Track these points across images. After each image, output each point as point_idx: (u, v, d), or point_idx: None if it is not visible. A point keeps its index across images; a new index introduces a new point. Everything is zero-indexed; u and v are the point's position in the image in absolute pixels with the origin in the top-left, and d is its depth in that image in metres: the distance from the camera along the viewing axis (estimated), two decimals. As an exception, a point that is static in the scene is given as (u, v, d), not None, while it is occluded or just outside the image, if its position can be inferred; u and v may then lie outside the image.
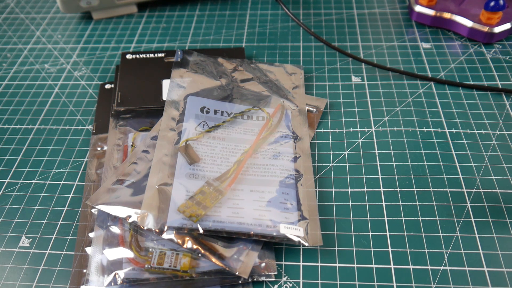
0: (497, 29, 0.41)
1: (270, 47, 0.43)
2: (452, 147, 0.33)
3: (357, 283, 0.26)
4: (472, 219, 0.29)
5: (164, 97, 0.36)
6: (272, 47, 0.43)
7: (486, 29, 0.41)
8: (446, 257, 0.27)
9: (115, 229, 0.28)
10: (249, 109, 0.35)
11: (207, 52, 0.41)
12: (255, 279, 0.26)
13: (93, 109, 0.38)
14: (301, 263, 0.27)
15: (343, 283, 0.26)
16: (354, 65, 0.41)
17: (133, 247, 0.27)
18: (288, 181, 0.30)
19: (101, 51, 0.44)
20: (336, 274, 0.27)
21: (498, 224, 0.28)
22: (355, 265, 0.27)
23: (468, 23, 0.41)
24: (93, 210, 0.30)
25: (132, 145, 0.33)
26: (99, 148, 0.34)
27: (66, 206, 0.31)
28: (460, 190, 0.30)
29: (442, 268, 0.27)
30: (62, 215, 0.31)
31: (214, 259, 0.26)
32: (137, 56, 0.40)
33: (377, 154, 0.33)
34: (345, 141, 0.34)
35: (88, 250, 0.28)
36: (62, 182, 0.33)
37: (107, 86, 0.39)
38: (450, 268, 0.26)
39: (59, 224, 0.30)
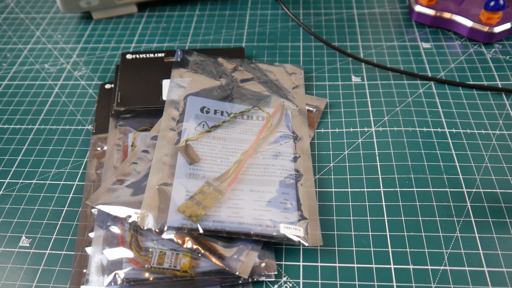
0: (497, 29, 0.41)
1: (270, 47, 0.43)
2: (452, 147, 0.33)
3: (357, 283, 0.26)
4: (472, 219, 0.29)
5: (164, 97, 0.36)
6: (272, 47, 0.43)
7: (486, 29, 0.41)
8: (446, 257, 0.27)
9: (115, 229, 0.28)
10: (249, 109, 0.35)
11: (207, 52, 0.41)
12: (255, 279, 0.26)
13: (93, 109, 0.38)
14: (301, 263, 0.27)
15: (343, 283, 0.26)
16: (354, 65, 0.41)
17: (133, 247, 0.27)
18: (288, 181, 0.30)
19: (101, 51, 0.44)
20: (336, 274, 0.27)
21: (498, 224, 0.28)
22: (355, 265, 0.27)
23: (468, 23, 0.41)
24: (93, 210, 0.30)
25: (132, 145, 0.33)
26: (99, 148, 0.34)
27: (66, 206, 0.31)
28: (460, 190, 0.30)
29: (442, 268, 0.27)
30: (62, 215, 0.31)
31: (214, 259, 0.26)
32: (137, 56, 0.40)
33: (377, 154, 0.33)
34: (345, 141, 0.34)
35: (88, 250, 0.28)
36: (62, 182, 0.33)
37: (107, 86, 0.39)
38: (450, 268, 0.26)
39: (59, 224, 0.30)
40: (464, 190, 0.30)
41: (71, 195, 0.32)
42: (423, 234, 0.28)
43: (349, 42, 0.43)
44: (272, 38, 0.44)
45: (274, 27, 0.46)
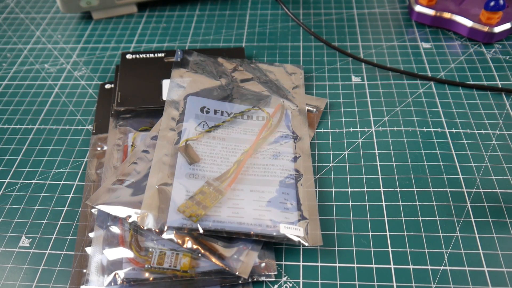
0: (497, 29, 0.41)
1: (270, 47, 0.43)
2: (452, 147, 0.33)
3: (357, 283, 0.26)
4: (472, 219, 0.29)
5: (164, 97, 0.36)
6: (272, 47, 0.43)
7: (486, 29, 0.41)
8: (446, 257, 0.27)
9: (115, 229, 0.28)
10: (249, 109, 0.35)
11: (207, 52, 0.41)
12: (255, 279, 0.26)
13: (93, 109, 0.38)
14: (301, 263, 0.27)
15: (343, 283, 0.26)
16: (354, 65, 0.41)
17: (133, 247, 0.27)
18: (288, 181, 0.30)
19: (101, 51, 0.44)
20: (336, 274, 0.27)
21: (498, 224, 0.28)
22: (355, 265, 0.27)
23: (468, 23, 0.41)
24: (93, 210, 0.30)
25: (132, 145, 0.33)
26: (99, 148, 0.34)
27: (66, 206, 0.31)
28: (460, 190, 0.30)
29: (442, 268, 0.27)
30: (62, 215, 0.31)
31: (214, 259, 0.26)
32: (137, 56, 0.40)
33: (377, 154, 0.33)
34: (345, 141, 0.34)
35: (88, 250, 0.28)
36: (62, 182, 0.33)
37: (107, 86, 0.39)
38: (450, 268, 0.26)
39: (59, 224, 0.30)
40: (464, 190, 0.30)
41: (71, 195, 0.32)
42: (423, 234, 0.28)
43: (349, 42, 0.43)
44: (272, 38, 0.44)
45: (274, 27, 0.46)
